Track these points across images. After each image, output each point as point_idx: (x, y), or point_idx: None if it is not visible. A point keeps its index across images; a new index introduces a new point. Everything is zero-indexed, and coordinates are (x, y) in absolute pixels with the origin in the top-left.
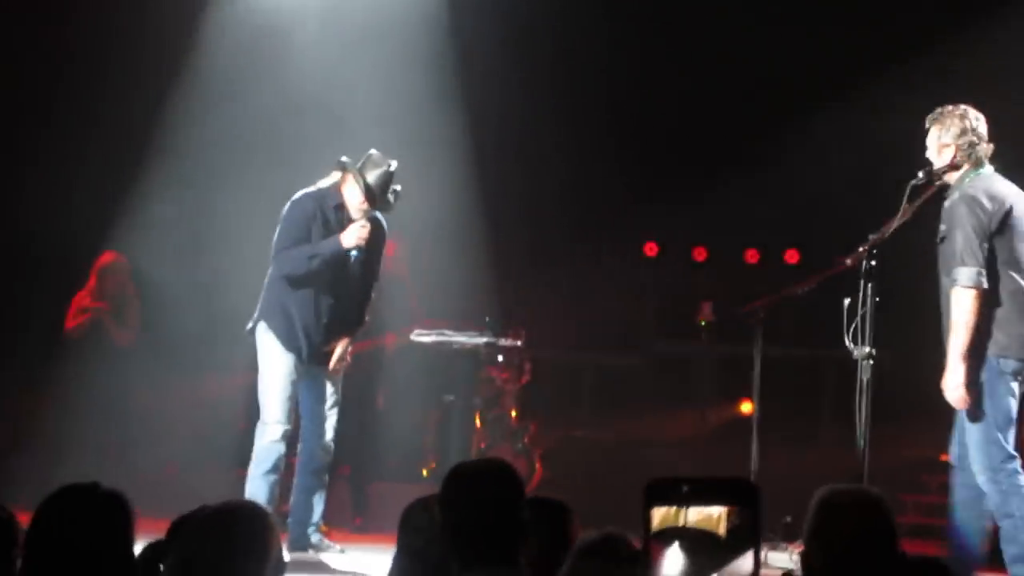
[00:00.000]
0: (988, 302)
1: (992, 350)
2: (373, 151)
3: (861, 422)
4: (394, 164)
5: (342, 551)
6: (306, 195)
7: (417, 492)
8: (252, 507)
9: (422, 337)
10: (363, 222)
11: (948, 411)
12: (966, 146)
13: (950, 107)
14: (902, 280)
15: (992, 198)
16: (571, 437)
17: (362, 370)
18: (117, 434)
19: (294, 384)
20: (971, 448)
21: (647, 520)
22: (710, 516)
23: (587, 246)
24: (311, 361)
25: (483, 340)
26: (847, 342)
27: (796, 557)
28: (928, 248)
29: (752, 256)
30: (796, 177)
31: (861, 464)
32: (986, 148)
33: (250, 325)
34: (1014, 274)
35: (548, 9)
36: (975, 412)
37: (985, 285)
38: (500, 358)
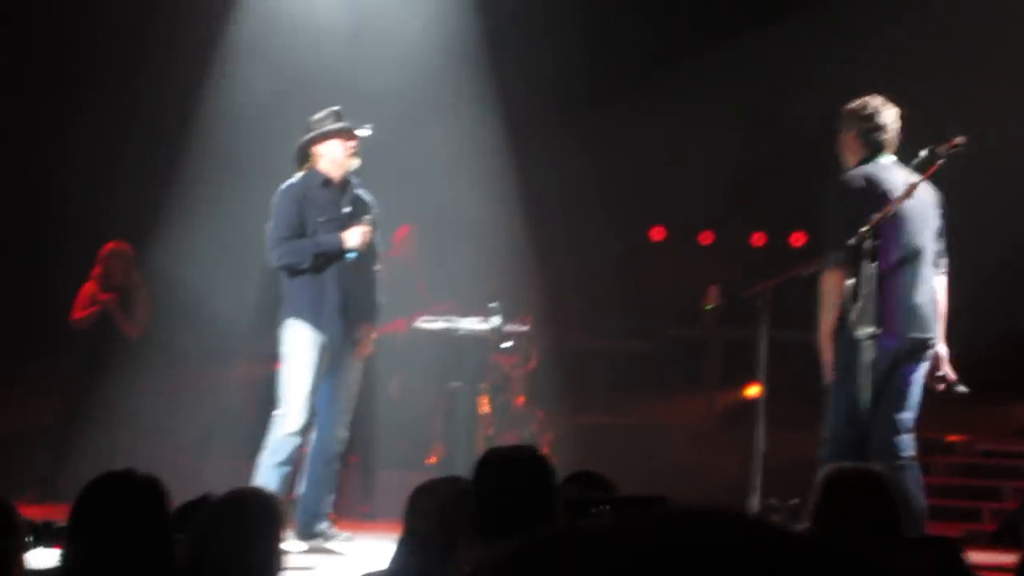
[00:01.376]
0: (864, 279)
1: (860, 325)
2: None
3: (863, 402)
4: (337, 107)
5: (350, 538)
6: (290, 185)
7: (424, 479)
8: (262, 493)
9: (428, 324)
10: (367, 228)
11: (951, 393)
12: (864, 132)
13: (863, 98)
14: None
15: (871, 185)
16: (579, 424)
17: (375, 357)
18: (127, 426)
19: (319, 376)
20: (827, 415)
21: None
22: None
23: (593, 231)
24: (338, 349)
25: (490, 326)
26: (853, 319)
27: None
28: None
29: (758, 239)
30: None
31: (865, 447)
32: (887, 137)
33: (280, 321)
34: (891, 257)
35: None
36: (835, 383)
37: (841, 263)
38: (507, 344)
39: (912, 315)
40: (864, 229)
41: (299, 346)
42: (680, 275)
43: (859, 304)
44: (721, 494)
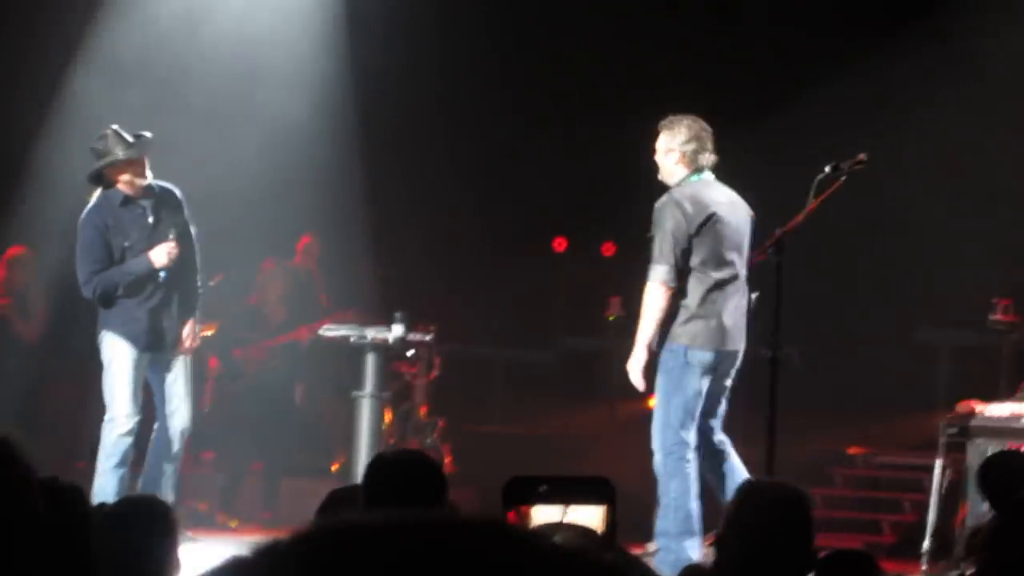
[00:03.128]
0: (683, 296)
1: (683, 340)
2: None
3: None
4: (114, 125)
5: (194, 540)
6: (88, 212)
7: (326, 487)
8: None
9: (330, 332)
10: (172, 245)
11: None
12: (690, 152)
13: (680, 116)
14: (806, 276)
15: (696, 203)
16: (481, 432)
17: (278, 365)
18: (23, 430)
19: (138, 377)
20: (653, 428)
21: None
22: (591, 515)
23: (497, 241)
24: (156, 348)
25: (392, 334)
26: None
27: (705, 548)
28: (832, 243)
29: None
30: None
31: (770, 458)
32: (708, 158)
33: (99, 340)
34: (712, 273)
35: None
36: (661, 397)
37: (673, 284)
38: (410, 352)
39: (731, 330)
40: (768, 244)
41: (114, 354)
42: (582, 286)
43: (689, 320)
44: (623, 504)
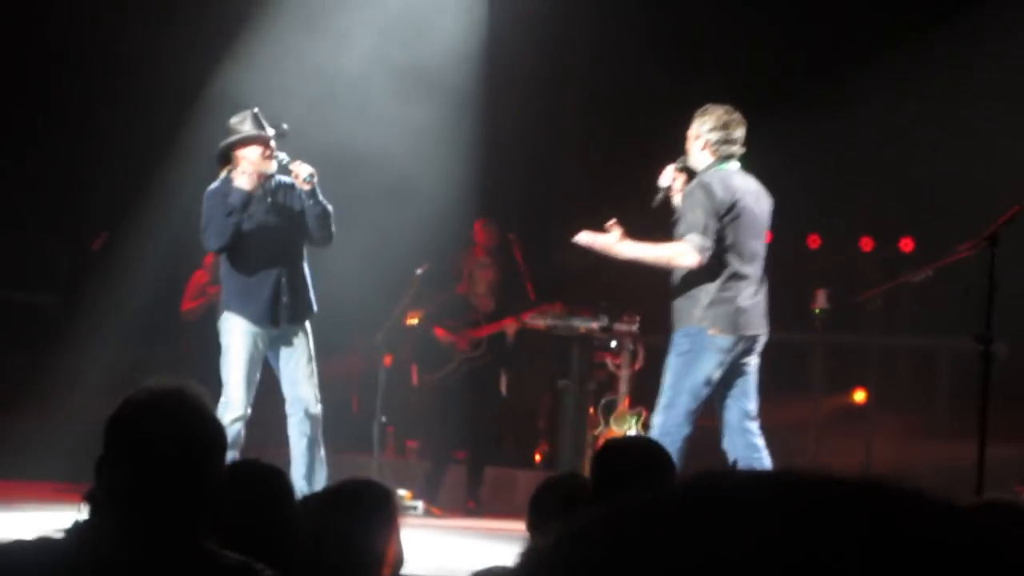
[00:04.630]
0: (708, 278)
1: (702, 324)
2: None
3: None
4: (255, 108)
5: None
6: (211, 188)
7: (530, 477)
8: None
9: (536, 321)
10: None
11: None
12: (715, 141)
13: (715, 104)
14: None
15: (726, 188)
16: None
17: (485, 355)
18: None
19: (255, 363)
20: (657, 406)
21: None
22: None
23: None
24: (276, 335)
25: (597, 324)
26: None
27: None
28: None
29: (867, 243)
30: (910, 164)
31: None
32: (735, 148)
33: (219, 313)
34: (735, 258)
35: None
36: (671, 379)
37: (707, 253)
38: (614, 343)
39: (750, 316)
40: (983, 236)
41: (234, 337)
42: (788, 278)
43: (710, 304)
44: None
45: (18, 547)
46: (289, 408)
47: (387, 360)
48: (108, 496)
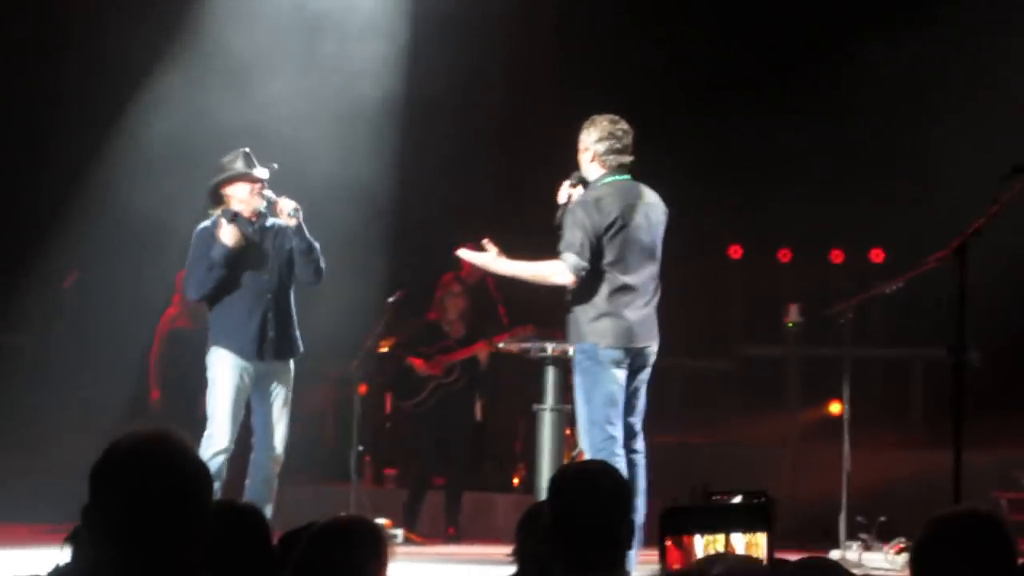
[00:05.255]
0: (594, 294)
1: (592, 339)
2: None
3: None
4: (246, 148)
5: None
6: (202, 227)
7: (509, 501)
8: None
9: (509, 345)
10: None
11: None
12: (603, 152)
13: (601, 116)
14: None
15: (608, 205)
16: (662, 442)
17: (458, 380)
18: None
19: (241, 398)
20: (579, 429)
21: (663, 550)
22: (754, 543)
23: (672, 249)
24: (262, 373)
25: (571, 346)
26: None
27: (892, 556)
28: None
29: (837, 256)
30: (880, 176)
31: (957, 464)
32: (625, 158)
33: (207, 347)
34: (620, 274)
35: None
36: (582, 396)
37: (581, 273)
38: None
39: (640, 327)
40: (952, 247)
41: (221, 371)
42: (759, 292)
43: (597, 318)
44: (807, 513)
45: None
46: (256, 442)
47: (362, 389)
48: (94, 539)
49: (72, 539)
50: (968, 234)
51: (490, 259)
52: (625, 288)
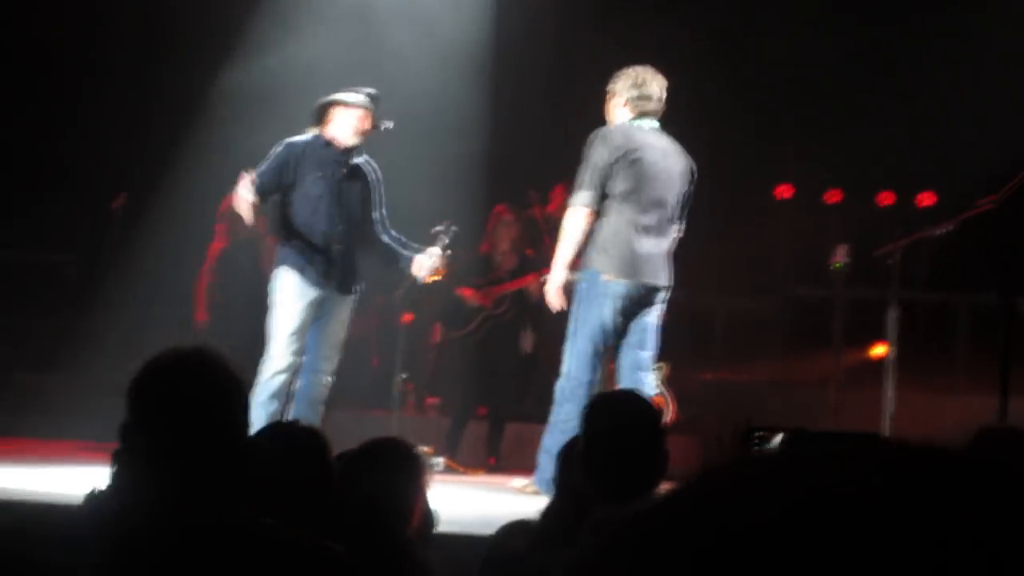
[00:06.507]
0: (603, 222)
1: (596, 267)
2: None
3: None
4: (375, 91)
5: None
6: (293, 141)
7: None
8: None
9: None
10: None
11: None
12: (633, 97)
13: (635, 66)
14: None
15: (625, 137)
16: (703, 380)
17: (508, 312)
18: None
19: (304, 322)
20: (564, 352)
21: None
22: None
23: (719, 188)
24: (324, 298)
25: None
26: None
27: None
28: None
29: (886, 198)
30: (929, 118)
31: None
32: (652, 105)
33: (273, 268)
34: (631, 207)
35: None
36: (574, 324)
37: (595, 206)
38: None
39: (646, 263)
40: (1004, 191)
41: (286, 293)
42: (806, 233)
43: (604, 249)
44: None
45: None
46: (307, 365)
47: (407, 318)
48: (134, 460)
49: (116, 457)
50: (1022, 177)
51: (553, 286)
52: (636, 222)
